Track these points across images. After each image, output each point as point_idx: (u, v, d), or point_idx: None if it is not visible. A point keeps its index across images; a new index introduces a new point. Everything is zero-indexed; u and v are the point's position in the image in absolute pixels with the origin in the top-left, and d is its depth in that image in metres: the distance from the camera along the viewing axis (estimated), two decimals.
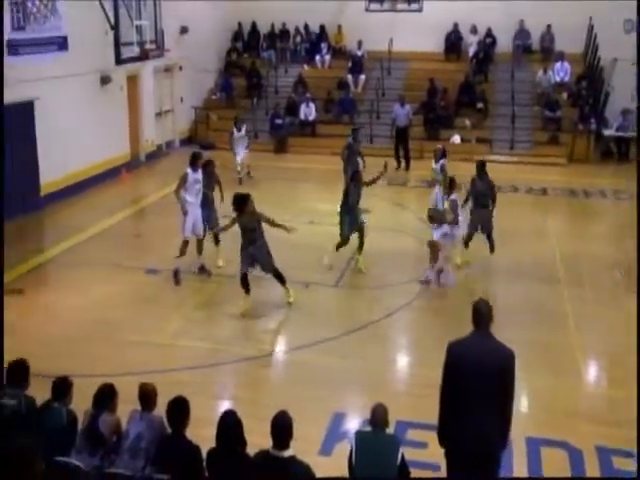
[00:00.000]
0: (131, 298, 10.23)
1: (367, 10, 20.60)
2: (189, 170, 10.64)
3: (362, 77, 22.01)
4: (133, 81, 18.26)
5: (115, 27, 16.15)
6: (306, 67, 22.94)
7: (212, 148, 20.20)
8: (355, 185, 10.89)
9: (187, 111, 21.18)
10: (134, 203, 15.46)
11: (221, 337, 9.14)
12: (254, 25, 23.79)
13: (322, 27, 23.14)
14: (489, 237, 11.21)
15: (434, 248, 10.41)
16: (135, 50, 16.76)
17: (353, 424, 7.11)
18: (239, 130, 16.51)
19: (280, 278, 9.86)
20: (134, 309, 9.88)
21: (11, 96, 13.28)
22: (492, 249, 11.27)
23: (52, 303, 10.22)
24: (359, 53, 22.37)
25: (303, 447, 5.23)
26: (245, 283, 9.67)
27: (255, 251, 9.59)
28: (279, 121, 20.49)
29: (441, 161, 12.48)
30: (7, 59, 13.23)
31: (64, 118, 15.01)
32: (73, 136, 15.29)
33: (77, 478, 5.30)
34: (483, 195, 10.96)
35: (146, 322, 9.47)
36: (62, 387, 5.73)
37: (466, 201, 11.17)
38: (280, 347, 9.13)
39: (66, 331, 9.19)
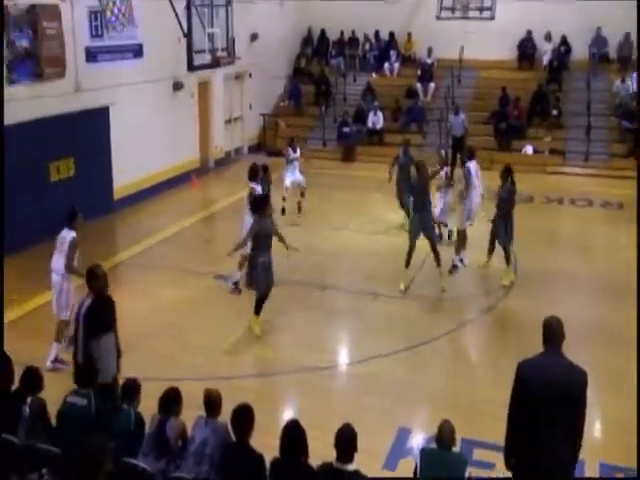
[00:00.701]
0: (199, 303, 10.42)
1: (438, 17, 20.45)
2: (253, 185, 10.60)
3: (431, 85, 21.91)
4: (204, 88, 18.64)
5: (188, 35, 16.48)
6: (375, 75, 22.98)
7: (280, 155, 20.39)
8: (421, 178, 10.43)
9: (256, 118, 21.48)
10: (203, 208, 15.76)
11: (285, 346, 9.20)
12: (323, 32, 23.97)
13: (391, 34, 23.15)
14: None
15: (463, 236, 11.11)
16: (207, 57, 17.05)
17: (418, 440, 7.06)
18: (294, 151, 14.66)
19: (260, 304, 9.23)
20: (201, 314, 10.07)
21: (88, 102, 13.89)
22: (508, 261, 10.95)
23: (123, 303, 10.34)
24: (429, 61, 22.28)
25: (367, 461, 5.21)
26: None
27: (267, 260, 9.01)
28: (347, 129, 20.57)
29: (445, 169, 12.18)
30: (85, 66, 13.81)
31: (137, 123, 15.44)
32: (145, 141, 15.70)
33: None
34: (503, 200, 10.76)
35: (212, 327, 9.62)
36: (131, 389, 5.87)
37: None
38: (345, 358, 9.13)
39: (136, 331, 9.41)
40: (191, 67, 17.08)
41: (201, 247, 13.36)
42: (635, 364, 7.60)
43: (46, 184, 13.01)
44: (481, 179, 11.53)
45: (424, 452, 5.36)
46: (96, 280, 6.74)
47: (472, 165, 11.20)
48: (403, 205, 13.10)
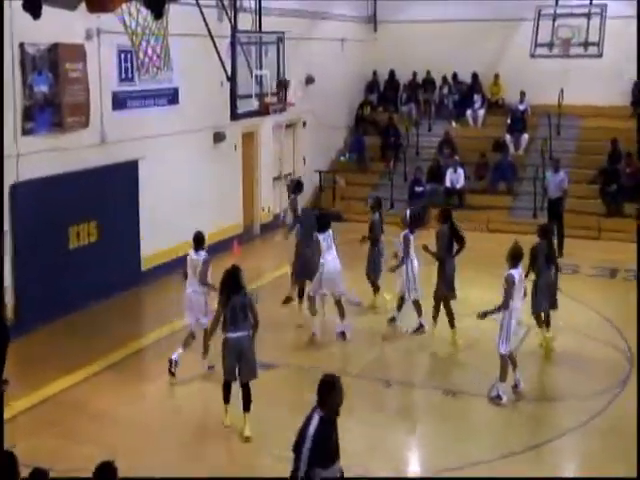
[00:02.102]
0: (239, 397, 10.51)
1: (532, 56, 20.76)
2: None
3: (524, 137, 22.09)
4: (249, 139, 19.21)
5: (232, 78, 16.99)
6: (454, 124, 23.35)
7: (339, 220, 20.70)
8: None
9: (311, 175, 21.94)
10: (247, 281, 15.91)
11: (351, 449, 9.16)
12: (392, 74, 24.57)
13: (475, 76, 23.55)
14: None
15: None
16: (253, 104, 17.54)
17: None
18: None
19: (248, 397, 9.54)
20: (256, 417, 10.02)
21: (115, 155, 14.47)
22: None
23: (148, 398, 10.76)
24: (521, 107, 22.53)
25: None
26: (227, 391, 9.73)
27: (241, 343, 9.46)
28: (420, 189, 20.82)
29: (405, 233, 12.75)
30: (112, 114, 14.42)
31: (170, 181, 15.96)
32: (179, 202, 16.17)
33: None
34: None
35: (257, 423, 9.62)
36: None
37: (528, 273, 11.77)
38: (419, 467, 9.11)
39: (168, 429, 9.64)
40: (235, 115, 17.57)
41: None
42: None
43: (64, 252, 13.47)
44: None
45: None
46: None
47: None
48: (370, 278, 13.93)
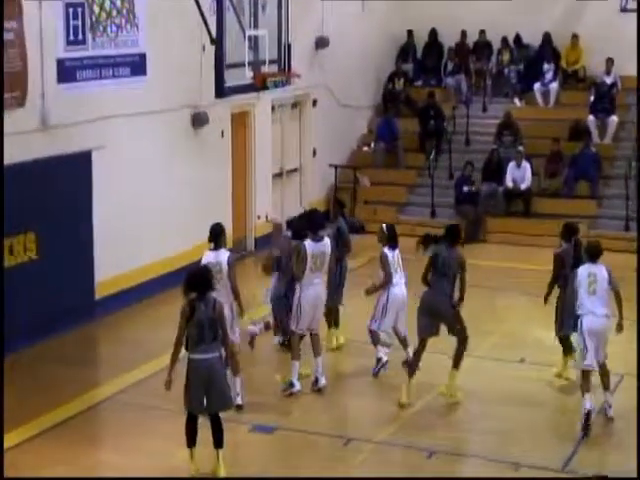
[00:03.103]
0: (227, 469, 10.53)
1: (623, 10, 20.85)
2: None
3: (612, 120, 22.13)
4: (241, 122, 19.37)
5: (217, 40, 17.18)
6: (518, 102, 23.46)
7: (360, 231, 20.70)
8: None
9: (323, 171, 22.09)
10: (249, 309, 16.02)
11: None
12: (434, 35, 24.68)
13: (546, 37, 23.56)
14: None
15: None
16: (246, 75, 17.73)
17: None
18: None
19: (220, 430, 10.27)
20: None
21: (61, 144, 14.60)
22: None
23: (108, 466, 10.85)
24: (608, 81, 22.59)
25: None
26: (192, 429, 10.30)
27: (209, 368, 10.03)
28: (470, 189, 20.86)
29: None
30: (57, 89, 14.58)
31: (135, 179, 16.06)
32: (147, 208, 16.29)
33: None
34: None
35: None
36: None
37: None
38: None
39: None
40: (221, 90, 17.82)
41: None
42: None
43: None
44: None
45: None
46: None
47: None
48: None
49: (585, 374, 11.65)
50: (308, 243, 12.43)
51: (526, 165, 21.02)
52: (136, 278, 16.03)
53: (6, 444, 11.03)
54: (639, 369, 10.66)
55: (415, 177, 22.36)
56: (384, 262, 12.97)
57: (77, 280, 15.06)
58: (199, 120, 17.74)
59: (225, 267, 11.60)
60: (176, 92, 17.09)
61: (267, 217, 19.95)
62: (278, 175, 20.93)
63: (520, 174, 20.98)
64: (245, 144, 19.60)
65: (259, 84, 18.05)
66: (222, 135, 18.65)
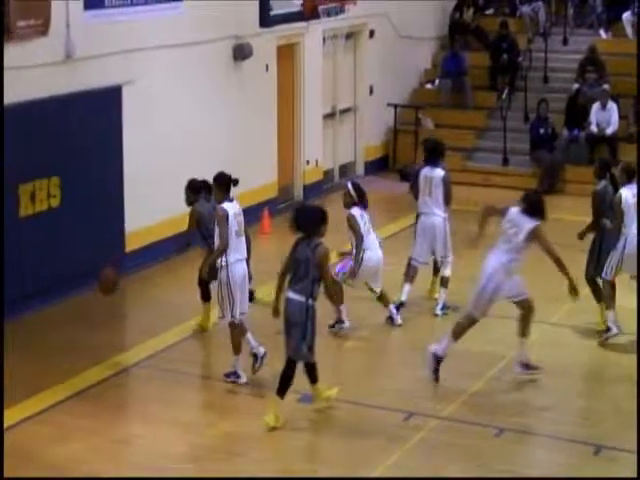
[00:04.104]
0: (272, 445, 10.76)
1: None
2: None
3: None
4: (288, 56, 19.33)
5: None
6: (604, 34, 23.13)
7: None
8: None
9: (381, 111, 22.03)
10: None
11: None
12: None
13: None
14: None
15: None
16: (294, 2, 17.64)
17: None
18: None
19: (312, 372, 11.11)
20: (276, 465, 10.35)
21: (87, 78, 14.64)
22: None
23: (131, 437, 10.96)
24: None
25: None
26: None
27: (291, 311, 10.94)
28: (547, 132, 20.64)
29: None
30: (83, 17, 14.55)
31: (169, 119, 16.09)
32: (183, 151, 16.32)
33: None
34: None
35: None
36: None
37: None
38: None
39: None
40: (266, 19, 17.76)
41: (275, 344, 13.52)
42: None
43: (12, 222, 13.60)
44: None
45: None
46: None
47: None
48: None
49: None
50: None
51: (612, 106, 20.77)
52: (169, 230, 15.96)
53: (25, 413, 11.26)
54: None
55: (485, 119, 22.20)
56: (353, 223, 13.30)
57: (105, 231, 15.12)
58: (241, 53, 17.69)
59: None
60: (216, 21, 17.07)
61: (316, 163, 19.94)
62: (330, 116, 20.90)
63: (605, 117, 20.74)
64: (293, 80, 19.58)
65: (309, 12, 18.00)
66: (267, 69, 18.63)
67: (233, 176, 12.03)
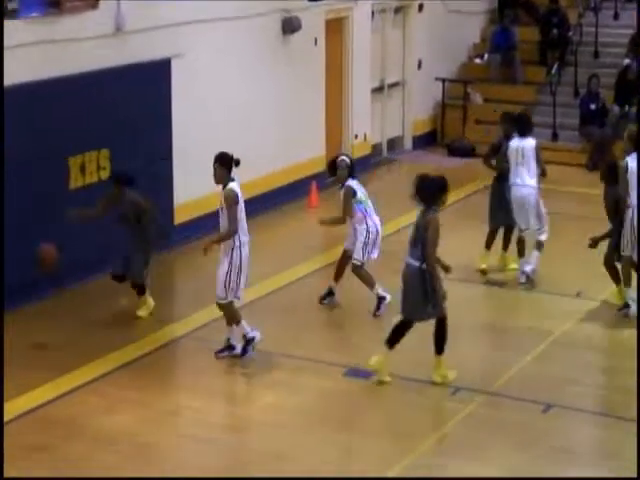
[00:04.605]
0: (318, 419, 10.75)
1: None
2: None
3: None
4: (336, 29, 19.29)
5: None
6: None
7: (470, 154, 20.73)
8: None
9: (429, 86, 21.97)
10: (329, 247, 16.11)
11: None
12: None
13: None
14: None
15: None
16: None
17: None
18: None
19: (442, 329, 11.40)
20: (321, 439, 10.32)
21: (137, 51, 14.73)
22: None
23: (181, 410, 11.07)
24: None
25: None
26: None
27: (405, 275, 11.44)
28: (596, 106, 20.50)
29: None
30: None
31: (218, 91, 16.15)
32: (231, 125, 16.36)
33: None
34: None
35: (342, 465, 9.88)
36: None
37: None
38: None
39: (205, 463, 9.86)
40: None
41: (321, 320, 13.62)
42: None
43: (61, 194, 13.79)
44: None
45: None
46: None
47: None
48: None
49: None
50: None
51: None
52: (216, 203, 15.96)
53: (74, 383, 11.37)
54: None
55: (534, 94, 22.06)
56: (347, 198, 13.30)
57: (154, 202, 15.04)
58: (290, 26, 17.72)
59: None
60: None
61: (365, 137, 19.92)
62: (378, 89, 20.85)
63: None
64: (341, 54, 19.56)
65: None
66: (315, 43, 18.65)
67: (243, 157, 12.02)
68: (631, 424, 10.41)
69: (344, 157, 13.77)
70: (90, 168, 14.17)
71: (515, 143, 14.33)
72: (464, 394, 11.23)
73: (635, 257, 13.06)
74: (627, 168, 13.09)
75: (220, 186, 11.83)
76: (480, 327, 12.57)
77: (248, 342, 11.89)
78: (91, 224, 13.64)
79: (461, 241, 14.50)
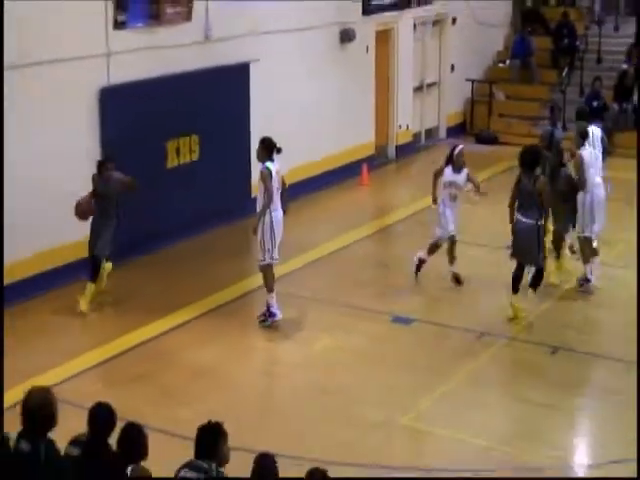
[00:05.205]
0: (368, 357, 10.78)
1: None
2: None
3: None
4: (384, 39, 19.08)
5: None
6: None
7: (494, 142, 20.54)
8: None
9: (460, 85, 21.68)
10: (377, 217, 16.20)
11: (498, 431, 9.27)
12: None
13: None
14: None
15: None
16: None
17: None
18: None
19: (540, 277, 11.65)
20: (371, 373, 10.38)
21: (222, 56, 14.72)
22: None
23: (256, 351, 11.14)
24: None
25: None
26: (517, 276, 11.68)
27: (522, 230, 11.53)
28: (598, 103, 20.22)
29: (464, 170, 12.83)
30: (220, 5, 14.57)
31: (288, 88, 16.09)
32: (298, 115, 16.31)
33: None
34: None
35: (388, 394, 9.88)
36: (267, 468, 6.29)
37: None
38: (590, 459, 9.10)
39: (272, 393, 10.01)
40: (367, 8, 17.69)
41: (372, 274, 13.59)
42: None
43: (160, 172, 13.85)
44: None
45: None
46: None
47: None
48: None
49: None
50: None
51: None
52: (289, 178, 15.95)
53: (166, 326, 11.48)
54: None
55: (548, 92, 21.63)
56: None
57: (234, 180, 15.15)
58: (347, 36, 17.58)
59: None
60: (327, 10, 16.99)
61: (407, 127, 19.80)
62: (418, 88, 20.58)
63: None
64: (388, 59, 19.31)
65: (403, 3, 17.82)
66: (367, 50, 18.43)
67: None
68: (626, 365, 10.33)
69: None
70: (183, 150, 14.19)
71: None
72: (488, 338, 11.20)
73: (592, 235, 12.56)
74: (582, 160, 12.34)
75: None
76: (502, 284, 12.41)
77: (270, 315, 11.46)
78: (181, 197, 13.77)
79: (490, 213, 14.24)
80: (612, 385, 10.32)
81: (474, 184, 12.86)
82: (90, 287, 11.72)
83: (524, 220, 11.38)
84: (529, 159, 11.49)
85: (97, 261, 11.76)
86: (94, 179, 11.73)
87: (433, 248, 12.81)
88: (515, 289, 11.61)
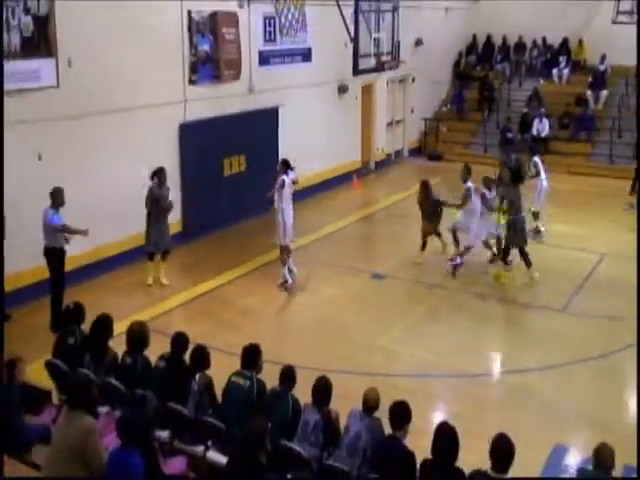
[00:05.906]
0: (356, 300, 10.72)
1: (614, 22, 19.38)
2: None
3: (604, 93, 20.80)
4: (368, 91, 18.87)
5: (354, 39, 16.82)
6: (542, 81, 22.20)
7: (440, 159, 20.32)
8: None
9: (417, 122, 21.46)
10: (363, 208, 16.02)
11: (441, 349, 9.22)
12: (489, 37, 23.51)
13: (565, 40, 22.16)
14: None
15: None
16: (372, 61, 17.31)
17: (574, 459, 6.83)
18: (489, 190, 11.72)
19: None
20: (358, 311, 10.34)
21: (260, 103, 14.53)
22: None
23: (280, 298, 10.99)
24: (601, 68, 21.16)
25: (521, 474, 5.15)
26: None
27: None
28: (510, 135, 20.05)
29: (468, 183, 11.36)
30: (258, 69, 14.40)
31: (304, 124, 15.91)
32: (311, 141, 16.12)
33: (298, 464, 5.61)
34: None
35: (369, 325, 9.86)
36: (290, 375, 6.09)
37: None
38: (503, 367, 9.00)
39: (294, 324, 9.97)
40: (356, 71, 17.43)
41: (359, 246, 13.54)
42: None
43: (219, 179, 13.73)
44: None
45: (582, 472, 5.14)
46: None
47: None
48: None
49: None
50: None
51: (546, 121, 19.89)
52: (302, 183, 15.70)
53: (223, 280, 11.34)
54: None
55: (475, 127, 21.51)
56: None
57: (267, 185, 14.77)
58: (342, 89, 17.37)
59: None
60: (329, 72, 16.77)
61: (382, 149, 19.63)
62: (390, 124, 20.34)
63: (542, 126, 19.87)
64: (370, 104, 19.06)
65: (380, 67, 17.67)
66: (356, 99, 18.21)
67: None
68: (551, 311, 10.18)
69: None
70: (234, 165, 14.06)
71: None
72: (434, 290, 11.08)
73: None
74: (468, 190, 11.14)
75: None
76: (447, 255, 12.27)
77: (285, 282, 11.05)
78: (232, 196, 13.62)
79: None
80: (515, 317, 10.30)
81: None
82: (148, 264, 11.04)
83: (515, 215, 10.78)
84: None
85: (147, 253, 11.03)
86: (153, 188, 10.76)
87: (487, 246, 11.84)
88: (528, 264, 10.98)
